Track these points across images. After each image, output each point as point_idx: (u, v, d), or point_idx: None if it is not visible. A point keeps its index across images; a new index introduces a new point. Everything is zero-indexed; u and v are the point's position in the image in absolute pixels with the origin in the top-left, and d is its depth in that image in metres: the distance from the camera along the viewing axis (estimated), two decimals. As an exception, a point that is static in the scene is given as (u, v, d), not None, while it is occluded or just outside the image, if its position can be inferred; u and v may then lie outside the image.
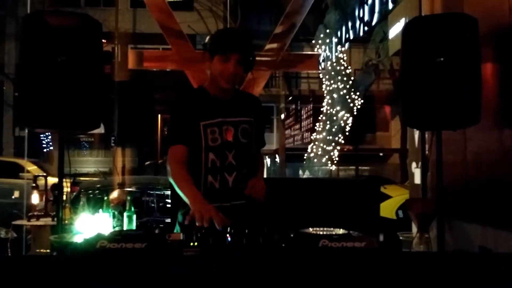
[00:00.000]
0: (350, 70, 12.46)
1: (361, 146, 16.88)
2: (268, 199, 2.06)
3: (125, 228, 2.89)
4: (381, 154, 18.83)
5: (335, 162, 12.05)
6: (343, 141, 12.02)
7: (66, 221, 3.41)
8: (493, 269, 1.44)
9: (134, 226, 2.93)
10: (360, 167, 17.87)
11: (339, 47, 8.25)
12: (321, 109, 12.26)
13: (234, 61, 2.05)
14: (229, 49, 2.05)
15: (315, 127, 12.65)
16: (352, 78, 12.46)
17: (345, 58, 11.89)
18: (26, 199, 5.04)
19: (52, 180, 4.32)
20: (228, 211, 1.96)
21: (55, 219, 3.09)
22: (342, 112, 11.78)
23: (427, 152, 3.40)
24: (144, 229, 4.37)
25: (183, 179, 2.01)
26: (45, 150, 13.85)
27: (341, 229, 1.56)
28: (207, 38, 2.15)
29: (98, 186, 6.19)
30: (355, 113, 11.91)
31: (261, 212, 2.11)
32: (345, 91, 11.70)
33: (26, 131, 6.28)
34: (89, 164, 17.20)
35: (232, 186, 2.12)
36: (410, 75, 2.71)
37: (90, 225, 2.87)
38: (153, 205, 6.22)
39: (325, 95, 12.03)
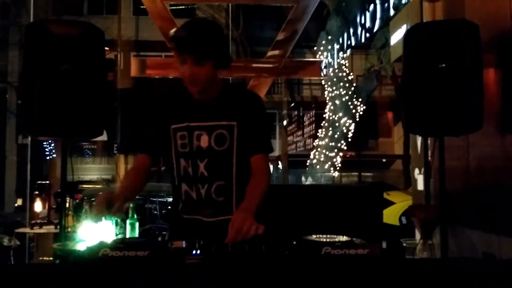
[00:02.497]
0: (352, 77, 12.46)
1: (363, 152, 16.86)
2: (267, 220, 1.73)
3: (127, 235, 2.88)
4: (383, 160, 18.80)
5: (338, 168, 12.03)
6: (345, 147, 12.00)
7: (69, 229, 3.41)
8: (497, 275, 1.43)
9: (136, 234, 2.93)
10: (363, 174, 17.84)
11: (341, 54, 8.26)
12: (324, 115, 12.26)
13: (189, 63, 1.80)
14: (180, 51, 1.81)
15: (318, 134, 12.64)
16: (354, 84, 12.47)
17: (347, 64, 11.90)
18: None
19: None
20: (211, 227, 1.89)
21: (58, 226, 3.09)
22: (345, 119, 11.78)
23: (429, 158, 3.39)
24: (147, 236, 4.37)
25: (124, 177, 1.96)
26: (48, 157, 13.88)
27: (344, 236, 1.56)
28: None
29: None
30: (357, 119, 11.90)
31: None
32: (347, 97, 11.70)
33: (29, 139, 6.30)
34: (92, 171, 17.23)
35: (205, 199, 1.91)
36: (412, 81, 2.71)
37: (93, 232, 2.87)
38: (155, 212, 6.23)
39: (327, 101, 12.02)
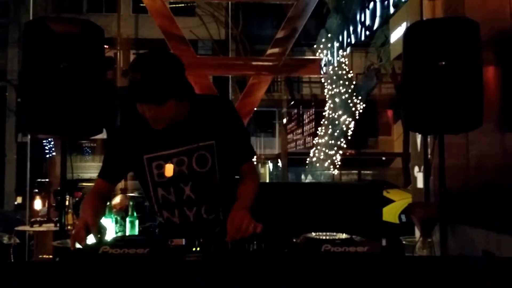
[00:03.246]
0: (352, 75, 12.46)
1: (363, 150, 16.87)
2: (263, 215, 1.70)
3: (127, 233, 2.89)
4: (383, 158, 18.81)
5: (338, 166, 12.03)
6: (345, 146, 12.00)
7: (69, 227, 3.42)
8: (496, 273, 1.43)
9: (136, 232, 2.93)
10: (362, 171, 17.85)
11: (340, 52, 8.26)
12: (323, 113, 12.26)
13: (148, 109, 1.66)
14: (137, 100, 1.67)
15: (317, 132, 12.64)
16: (354, 82, 12.46)
17: (346, 62, 11.90)
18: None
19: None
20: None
21: (58, 224, 3.09)
22: (344, 117, 11.78)
23: (429, 156, 3.40)
24: (146, 234, 4.37)
25: (85, 202, 1.79)
26: (47, 156, 13.88)
27: (344, 234, 1.56)
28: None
29: (101, 191, 6.18)
30: (357, 117, 11.90)
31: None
32: (347, 95, 11.69)
33: (29, 137, 6.30)
34: (91, 169, 17.21)
35: (194, 220, 1.86)
36: (412, 79, 2.71)
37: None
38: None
39: (327, 99, 12.02)
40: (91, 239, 1.59)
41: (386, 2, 5.43)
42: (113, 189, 1.95)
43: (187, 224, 1.87)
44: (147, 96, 1.63)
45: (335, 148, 11.94)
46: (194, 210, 1.86)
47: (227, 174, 1.88)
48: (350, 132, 11.85)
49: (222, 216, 1.85)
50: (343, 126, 11.78)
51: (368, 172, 18.46)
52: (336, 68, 11.18)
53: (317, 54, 10.06)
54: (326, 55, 9.17)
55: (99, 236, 1.60)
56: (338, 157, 11.95)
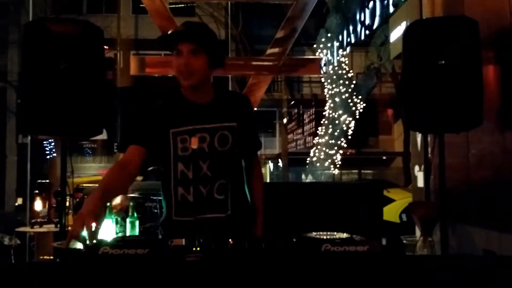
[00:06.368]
0: (352, 74, 12.46)
1: (363, 150, 16.87)
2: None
3: (128, 234, 2.89)
4: (384, 157, 18.80)
5: (338, 166, 12.03)
6: (345, 145, 12.00)
7: (69, 228, 3.41)
8: (497, 272, 1.43)
9: (137, 232, 2.93)
10: (363, 171, 17.85)
11: (340, 51, 8.27)
12: (323, 113, 12.25)
13: (186, 52, 1.85)
14: (177, 40, 1.86)
15: (318, 131, 12.64)
16: (354, 81, 12.46)
17: (346, 62, 11.90)
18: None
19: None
20: (203, 225, 1.91)
21: (58, 225, 3.09)
22: (345, 116, 11.77)
23: (429, 155, 3.40)
24: (147, 235, 4.37)
25: (103, 179, 1.80)
26: (48, 157, 13.88)
27: (344, 233, 1.56)
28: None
29: (101, 192, 6.17)
30: (357, 116, 11.90)
31: (241, 225, 1.96)
32: (347, 95, 11.69)
33: (29, 138, 6.31)
34: (92, 170, 17.23)
35: (206, 198, 1.93)
36: (412, 78, 2.71)
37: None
38: (156, 210, 6.21)
39: (327, 99, 12.02)
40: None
41: (385, 1, 5.43)
42: (144, 160, 1.92)
43: (200, 202, 1.94)
44: (189, 36, 1.86)
45: (336, 148, 11.93)
46: (208, 187, 1.94)
47: (239, 157, 2.03)
48: (350, 132, 11.85)
49: (230, 199, 1.96)
50: (343, 125, 11.78)
51: (369, 171, 18.46)
52: (336, 68, 11.18)
53: (317, 53, 10.06)
54: (326, 54, 9.17)
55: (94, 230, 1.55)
56: (339, 157, 11.95)
